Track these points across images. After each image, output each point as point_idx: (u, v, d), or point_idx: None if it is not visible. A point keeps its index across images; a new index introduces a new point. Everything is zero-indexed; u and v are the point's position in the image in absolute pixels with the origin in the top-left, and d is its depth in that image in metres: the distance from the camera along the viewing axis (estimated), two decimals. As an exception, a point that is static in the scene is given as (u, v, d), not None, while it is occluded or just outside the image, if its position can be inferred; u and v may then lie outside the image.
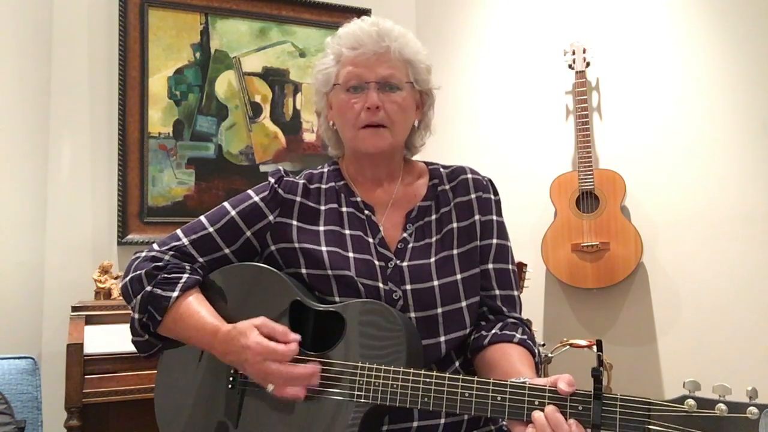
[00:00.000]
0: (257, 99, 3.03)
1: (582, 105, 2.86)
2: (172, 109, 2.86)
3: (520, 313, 1.38)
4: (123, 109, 2.76)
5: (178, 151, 2.85)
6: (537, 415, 1.02)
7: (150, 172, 2.80)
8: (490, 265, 1.36)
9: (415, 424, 1.22)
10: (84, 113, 2.74)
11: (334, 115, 1.39)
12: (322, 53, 1.42)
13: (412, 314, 1.26)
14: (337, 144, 1.45)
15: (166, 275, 1.29)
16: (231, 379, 1.25)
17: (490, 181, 1.45)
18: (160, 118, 2.83)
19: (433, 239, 1.35)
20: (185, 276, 1.29)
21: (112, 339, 2.23)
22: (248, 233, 1.35)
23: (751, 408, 0.91)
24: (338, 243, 1.32)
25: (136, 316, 1.29)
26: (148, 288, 1.28)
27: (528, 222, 3.01)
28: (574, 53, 2.92)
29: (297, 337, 1.17)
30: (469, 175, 1.42)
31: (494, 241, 1.38)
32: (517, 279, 1.40)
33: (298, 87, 3.10)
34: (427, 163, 1.48)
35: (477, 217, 1.38)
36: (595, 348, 1.11)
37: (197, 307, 1.26)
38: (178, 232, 1.36)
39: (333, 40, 1.39)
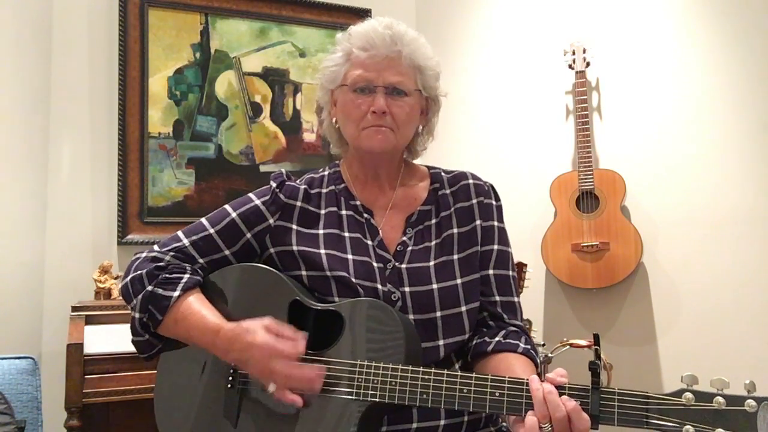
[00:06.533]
0: (257, 99, 3.03)
1: (582, 105, 2.86)
2: (172, 109, 2.86)
3: (521, 320, 1.38)
4: (123, 109, 2.76)
5: (178, 151, 2.86)
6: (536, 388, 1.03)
7: (150, 172, 2.80)
8: (491, 271, 1.36)
9: (414, 425, 1.21)
10: (84, 113, 2.75)
11: (338, 112, 1.38)
12: (324, 52, 1.41)
13: (411, 316, 1.26)
14: (339, 141, 1.44)
15: (167, 275, 1.29)
16: (230, 378, 1.25)
17: (492, 186, 1.44)
18: (160, 118, 2.84)
19: (433, 243, 1.35)
20: (186, 276, 1.29)
21: (112, 339, 2.23)
22: (248, 235, 1.35)
23: (749, 401, 0.91)
24: (337, 245, 1.32)
25: (137, 315, 1.29)
26: (149, 288, 1.28)
27: (528, 222, 3.01)
28: (574, 53, 2.91)
29: (304, 335, 1.16)
30: (471, 181, 1.41)
31: (495, 246, 1.37)
32: (517, 285, 1.40)
33: (298, 87, 3.10)
34: (428, 167, 1.48)
35: (478, 222, 1.37)
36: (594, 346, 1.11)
37: (198, 306, 1.26)
38: (179, 233, 1.37)
39: (344, 38, 1.37)
